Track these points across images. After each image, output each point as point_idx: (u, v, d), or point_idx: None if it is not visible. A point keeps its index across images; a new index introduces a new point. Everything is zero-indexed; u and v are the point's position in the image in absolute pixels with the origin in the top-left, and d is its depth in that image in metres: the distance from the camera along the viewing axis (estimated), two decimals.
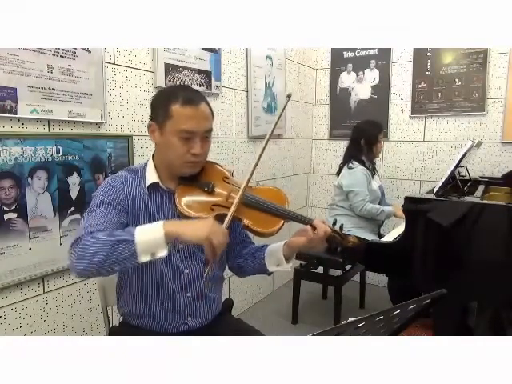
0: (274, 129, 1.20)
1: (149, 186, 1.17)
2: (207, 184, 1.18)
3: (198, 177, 1.20)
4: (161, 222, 0.99)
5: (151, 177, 1.18)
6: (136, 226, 1.13)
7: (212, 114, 1.18)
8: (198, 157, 1.14)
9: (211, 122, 1.17)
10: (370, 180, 2.60)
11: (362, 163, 2.62)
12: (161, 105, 1.14)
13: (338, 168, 2.76)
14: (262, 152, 1.19)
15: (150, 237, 0.97)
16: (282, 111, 1.24)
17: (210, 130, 1.17)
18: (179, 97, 1.11)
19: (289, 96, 1.25)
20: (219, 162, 1.29)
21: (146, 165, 1.22)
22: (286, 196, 1.26)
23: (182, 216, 1.14)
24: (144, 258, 0.97)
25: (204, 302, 1.26)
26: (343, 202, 2.64)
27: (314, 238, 1.16)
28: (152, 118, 1.17)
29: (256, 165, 1.18)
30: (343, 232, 1.25)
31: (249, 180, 1.15)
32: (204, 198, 1.17)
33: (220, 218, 1.13)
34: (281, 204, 1.21)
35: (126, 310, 1.26)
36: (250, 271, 1.34)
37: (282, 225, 1.19)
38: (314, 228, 1.17)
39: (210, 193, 1.18)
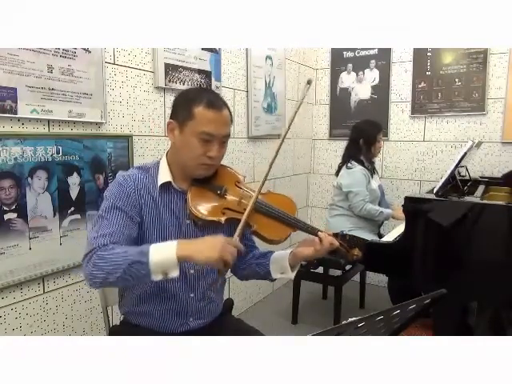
0: (290, 124, 1.20)
1: (161, 185, 1.17)
2: (220, 187, 1.19)
3: (211, 179, 1.20)
4: (174, 244, 1.00)
5: (164, 176, 1.18)
6: (144, 226, 1.16)
7: (231, 119, 1.19)
8: (213, 160, 1.15)
9: (230, 128, 1.18)
10: (369, 180, 2.59)
11: (361, 163, 2.61)
12: (184, 105, 1.14)
13: (337, 168, 2.76)
14: (275, 156, 1.18)
15: (162, 258, 0.99)
16: (302, 99, 1.19)
17: (228, 135, 1.18)
18: (204, 99, 1.12)
19: (309, 82, 1.20)
20: (223, 164, 1.30)
21: (158, 163, 1.22)
22: (295, 205, 1.28)
23: (193, 217, 1.15)
24: (157, 278, 1.00)
25: (206, 303, 1.26)
26: (342, 202, 2.64)
27: (320, 249, 1.18)
28: (172, 117, 1.17)
29: (268, 171, 1.18)
30: (347, 235, 1.26)
31: (261, 187, 1.15)
32: (216, 201, 1.18)
33: (230, 222, 1.15)
34: (291, 213, 1.22)
35: (127, 309, 1.26)
36: (253, 276, 1.35)
37: (290, 233, 1.21)
38: (320, 240, 1.18)
39: (222, 196, 1.19)
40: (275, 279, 1.29)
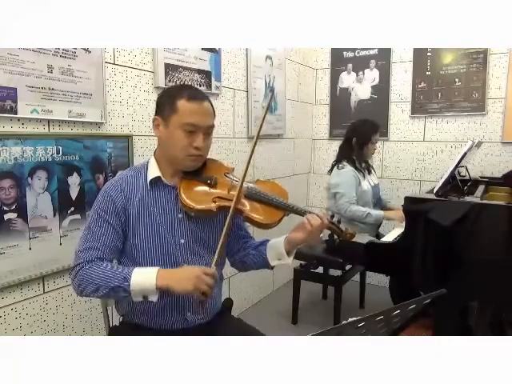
0: (262, 122, 1.27)
1: (151, 182, 1.20)
2: (210, 177, 1.22)
3: (201, 171, 1.24)
4: (154, 273, 1.07)
5: (153, 172, 1.22)
6: (134, 225, 1.18)
7: (214, 112, 1.23)
8: (199, 150, 1.18)
9: (213, 119, 1.22)
10: (359, 182, 2.50)
11: (353, 163, 2.53)
12: (167, 100, 1.18)
13: (330, 167, 2.67)
14: (254, 146, 1.23)
15: (142, 286, 1.07)
16: (269, 102, 1.27)
17: (212, 126, 1.22)
18: (185, 93, 1.16)
19: (272, 90, 1.27)
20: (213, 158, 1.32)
21: (147, 163, 1.25)
22: (286, 191, 1.31)
23: (185, 208, 1.17)
24: (137, 300, 1.09)
25: (205, 309, 1.26)
26: (335, 206, 2.53)
27: (312, 231, 1.19)
28: (156, 113, 1.21)
29: (250, 157, 1.23)
30: (340, 226, 1.29)
31: (246, 170, 1.19)
32: (206, 190, 1.21)
33: (222, 210, 1.18)
34: (281, 197, 1.26)
35: (125, 311, 1.26)
36: (252, 266, 1.36)
37: (282, 217, 1.24)
38: (308, 221, 1.20)
39: (213, 186, 1.22)
40: (273, 267, 1.31)
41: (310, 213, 1.23)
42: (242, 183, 1.19)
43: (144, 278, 1.07)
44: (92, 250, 1.12)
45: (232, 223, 1.25)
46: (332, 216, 1.30)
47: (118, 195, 1.18)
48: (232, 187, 1.22)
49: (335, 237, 1.30)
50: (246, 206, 1.21)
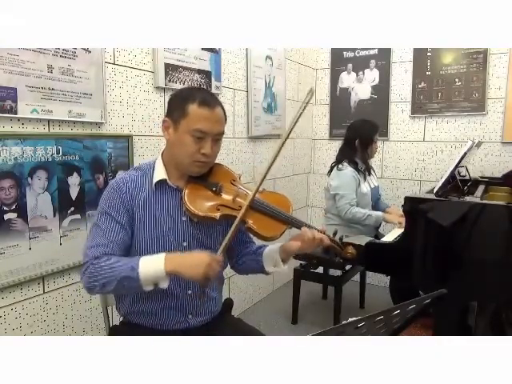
0: (291, 129, 1.18)
1: (156, 183, 1.19)
2: (215, 184, 1.21)
3: (207, 177, 1.22)
4: (162, 258, 1.06)
5: (159, 174, 1.21)
6: (138, 226, 1.17)
7: (225, 118, 1.21)
8: (207, 157, 1.16)
9: (224, 126, 1.21)
10: (359, 183, 2.49)
11: (355, 164, 2.52)
12: (178, 103, 1.16)
13: (329, 168, 2.66)
14: (274, 159, 1.17)
15: (151, 274, 1.06)
16: (304, 108, 1.17)
17: (222, 133, 1.20)
18: (197, 97, 1.14)
19: (311, 92, 1.17)
20: (220, 162, 1.30)
21: (154, 163, 1.24)
22: (291, 203, 1.29)
23: (189, 214, 1.17)
24: (148, 288, 1.08)
25: (205, 301, 1.26)
26: (334, 208, 2.54)
27: (309, 244, 1.19)
28: (167, 115, 1.20)
29: (267, 172, 1.19)
30: (342, 241, 1.27)
31: (259, 186, 1.17)
32: (211, 197, 1.20)
33: (225, 219, 1.17)
34: (285, 210, 1.23)
35: (126, 310, 1.26)
36: (249, 270, 1.36)
37: (285, 230, 1.22)
38: (311, 235, 1.18)
39: (218, 193, 1.20)
40: (270, 273, 1.31)
41: (312, 228, 1.21)
42: (253, 195, 1.16)
43: (152, 265, 1.06)
44: (99, 247, 1.11)
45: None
46: (334, 233, 1.28)
47: (124, 192, 1.17)
48: (237, 196, 1.20)
49: (336, 255, 1.29)
50: (250, 216, 1.18)
